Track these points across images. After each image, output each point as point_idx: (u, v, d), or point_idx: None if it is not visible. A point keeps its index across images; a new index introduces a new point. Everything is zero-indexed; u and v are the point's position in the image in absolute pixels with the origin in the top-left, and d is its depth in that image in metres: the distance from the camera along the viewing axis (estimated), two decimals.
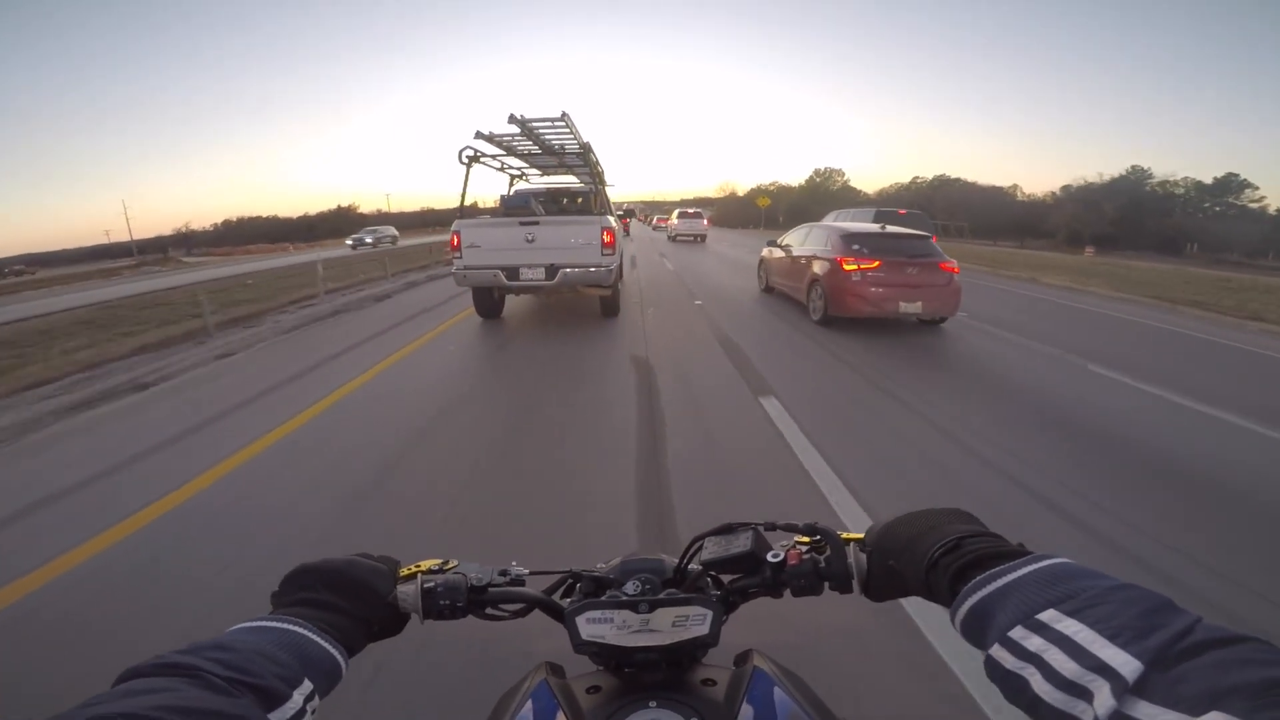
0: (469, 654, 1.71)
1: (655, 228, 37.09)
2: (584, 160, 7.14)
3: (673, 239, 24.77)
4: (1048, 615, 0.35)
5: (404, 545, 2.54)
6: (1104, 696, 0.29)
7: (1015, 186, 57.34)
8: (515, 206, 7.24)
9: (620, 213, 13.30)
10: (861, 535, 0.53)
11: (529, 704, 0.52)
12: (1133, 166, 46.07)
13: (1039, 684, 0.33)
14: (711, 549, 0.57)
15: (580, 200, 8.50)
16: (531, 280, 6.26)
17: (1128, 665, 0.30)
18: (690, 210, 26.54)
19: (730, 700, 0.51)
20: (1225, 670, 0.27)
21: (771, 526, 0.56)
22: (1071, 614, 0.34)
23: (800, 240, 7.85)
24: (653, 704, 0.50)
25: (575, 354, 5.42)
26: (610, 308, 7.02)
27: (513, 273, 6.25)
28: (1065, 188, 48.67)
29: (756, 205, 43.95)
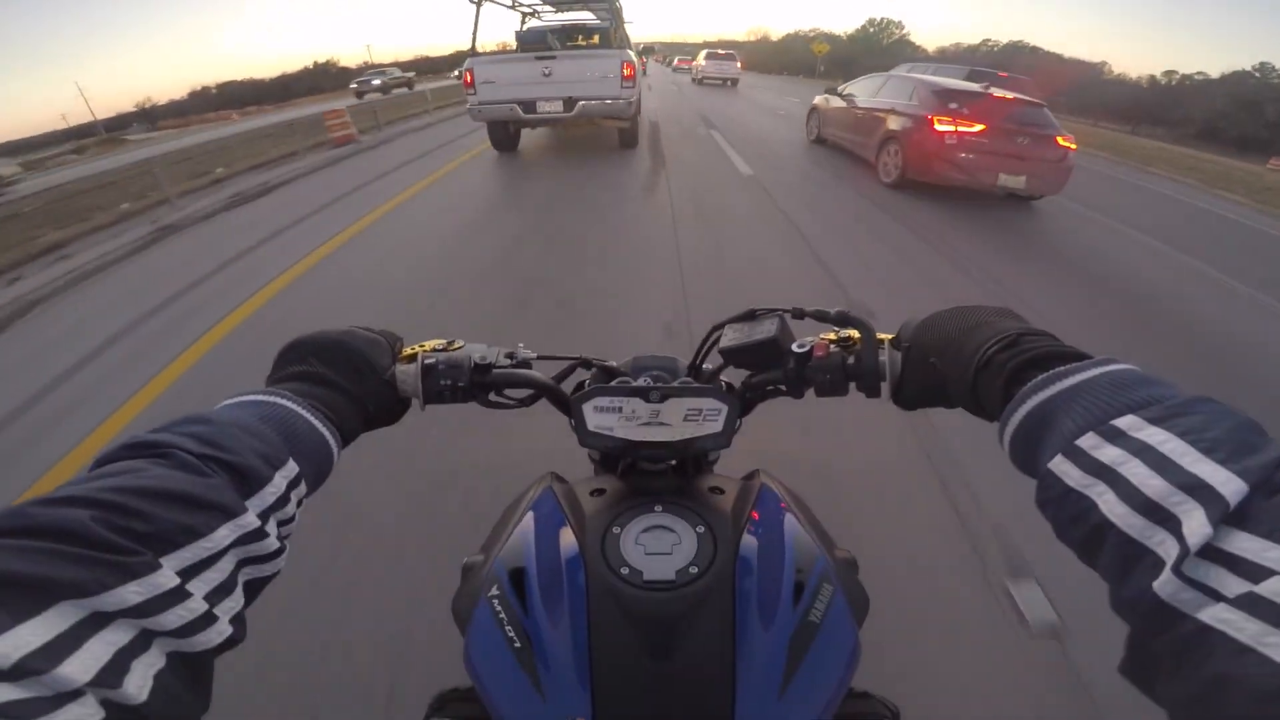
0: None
1: (676, 69, 36.22)
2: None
3: (698, 81, 23.80)
4: (1126, 421, 0.30)
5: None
6: (1195, 522, 0.24)
7: (1105, 64, 50.91)
8: (531, 42, 7.29)
9: (638, 50, 12.72)
10: (895, 333, 0.50)
11: (531, 514, 0.51)
12: (1261, 63, 39.94)
13: (1110, 504, 0.28)
14: (732, 336, 0.54)
15: (597, 37, 7.97)
16: (549, 113, 6.25)
17: (1229, 484, 0.25)
18: (721, 51, 24.73)
19: (738, 511, 0.49)
20: None
21: (800, 314, 0.52)
22: (1155, 421, 0.29)
23: (872, 90, 6.93)
24: (658, 508, 0.48)
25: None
26: (629, 139, 7.14)
27: (529, 106, 6.22)
28: (1171, 73, 42.39)
29: (811, 52, 39.17)
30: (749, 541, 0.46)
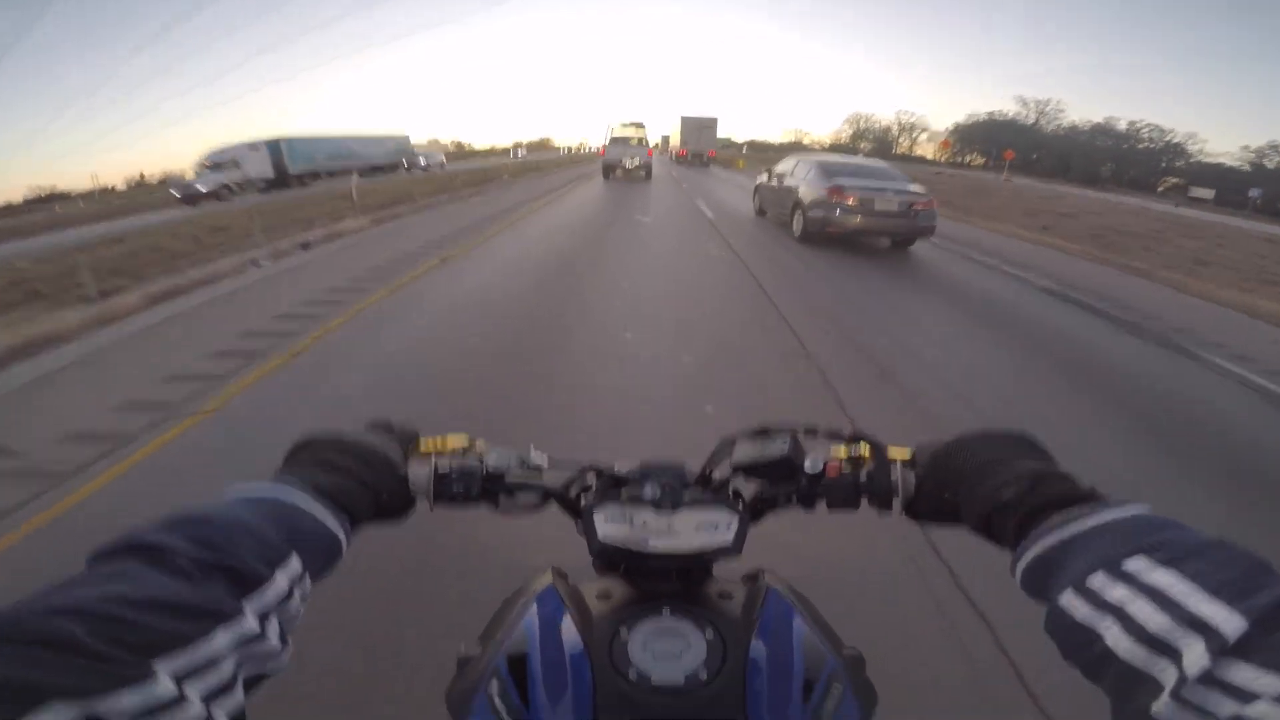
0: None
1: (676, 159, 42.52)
2: (640, 129, 20.80)
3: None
4: (1135, 564, 0.31)
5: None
6: (1196, 654, 0.26)
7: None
8: (617, 140, 19.68)
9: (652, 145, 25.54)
10: (909, 452, 0.51)
11: (534, 607, 0.49)
12: None
13: (1115, 637, 0.30)
14: (744, 451, 0.53)
15: (637, 140, 19.85)
16: (626, 164, 18.80)
17: (1230, 621, 0.26)
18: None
19: (746, 615, 0.48)
20: None
21: (812, 431, 0.54)
22: (1164, 564, 0.30)
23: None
24: (666, 611, 0.47)
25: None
26: (649, 175, 18.97)
27: (619, 163, 19.00)
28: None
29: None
30: (758, 645, 0.45)
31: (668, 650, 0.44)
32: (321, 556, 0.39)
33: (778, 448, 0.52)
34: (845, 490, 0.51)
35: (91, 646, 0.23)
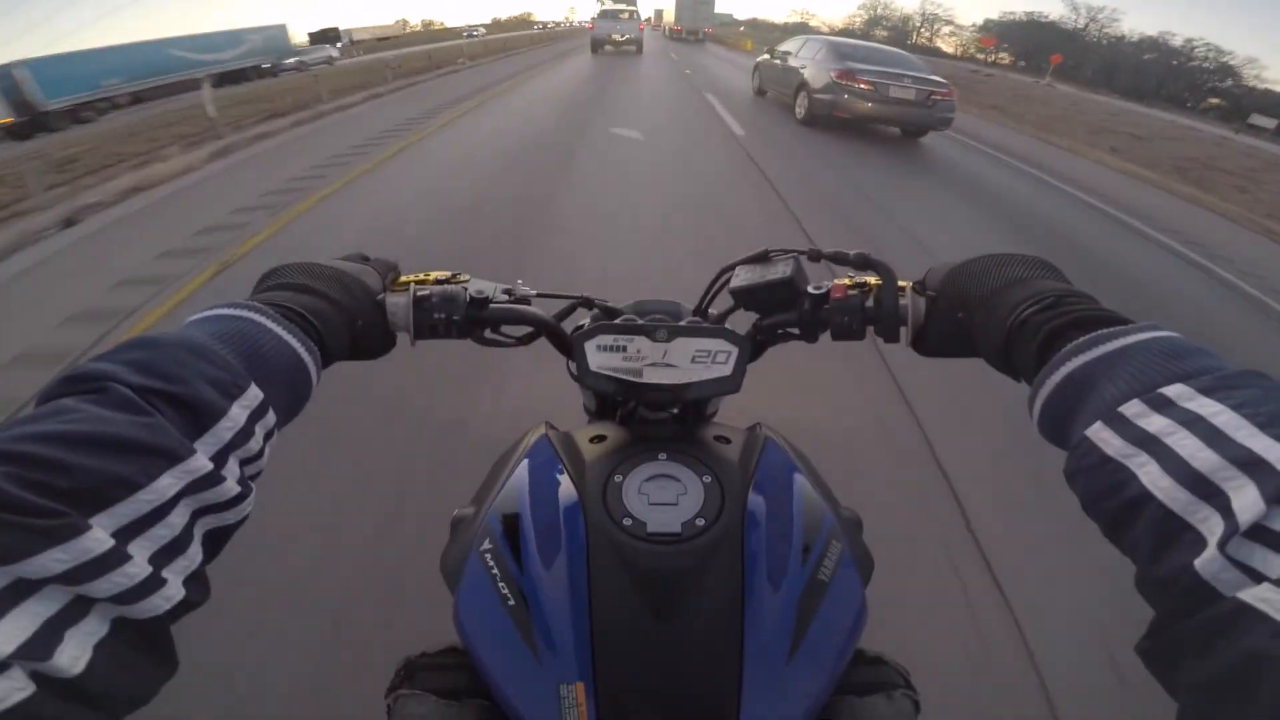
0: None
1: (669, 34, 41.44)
2: (631, 3, 22.31)
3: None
4: (1175, 390, 0.28)
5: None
6: (1248, 498, 0.23)
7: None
8: (607, 13, 19.24)
9: (644, 19, 25.34)
10: (920, 279, 0.49)
11: (526, 461, 0.48)
12: None
13: (1153, 476, 0.26)
14: (743, 276, 0.52)
15: (628, 13, 19.45)
16: (616, 39, 18.43)
17: None
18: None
19: (744, 463, 0.46)
20: None
21: (816, 255, 0.52)
22: (1206, 392, 0.27)
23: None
24: (663, 455, 0.45)
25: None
26: (640, 50, 18.60)
27: (608, 37, 18.45)
28: None
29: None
30: (756, 495, 0.43)
31: (664, 496, 0.43)
32: (287, 389, 0.35)
33: (780, 270, 0.50)
34: (850, 316, 0.48)
35: (15, 496, 0.21)
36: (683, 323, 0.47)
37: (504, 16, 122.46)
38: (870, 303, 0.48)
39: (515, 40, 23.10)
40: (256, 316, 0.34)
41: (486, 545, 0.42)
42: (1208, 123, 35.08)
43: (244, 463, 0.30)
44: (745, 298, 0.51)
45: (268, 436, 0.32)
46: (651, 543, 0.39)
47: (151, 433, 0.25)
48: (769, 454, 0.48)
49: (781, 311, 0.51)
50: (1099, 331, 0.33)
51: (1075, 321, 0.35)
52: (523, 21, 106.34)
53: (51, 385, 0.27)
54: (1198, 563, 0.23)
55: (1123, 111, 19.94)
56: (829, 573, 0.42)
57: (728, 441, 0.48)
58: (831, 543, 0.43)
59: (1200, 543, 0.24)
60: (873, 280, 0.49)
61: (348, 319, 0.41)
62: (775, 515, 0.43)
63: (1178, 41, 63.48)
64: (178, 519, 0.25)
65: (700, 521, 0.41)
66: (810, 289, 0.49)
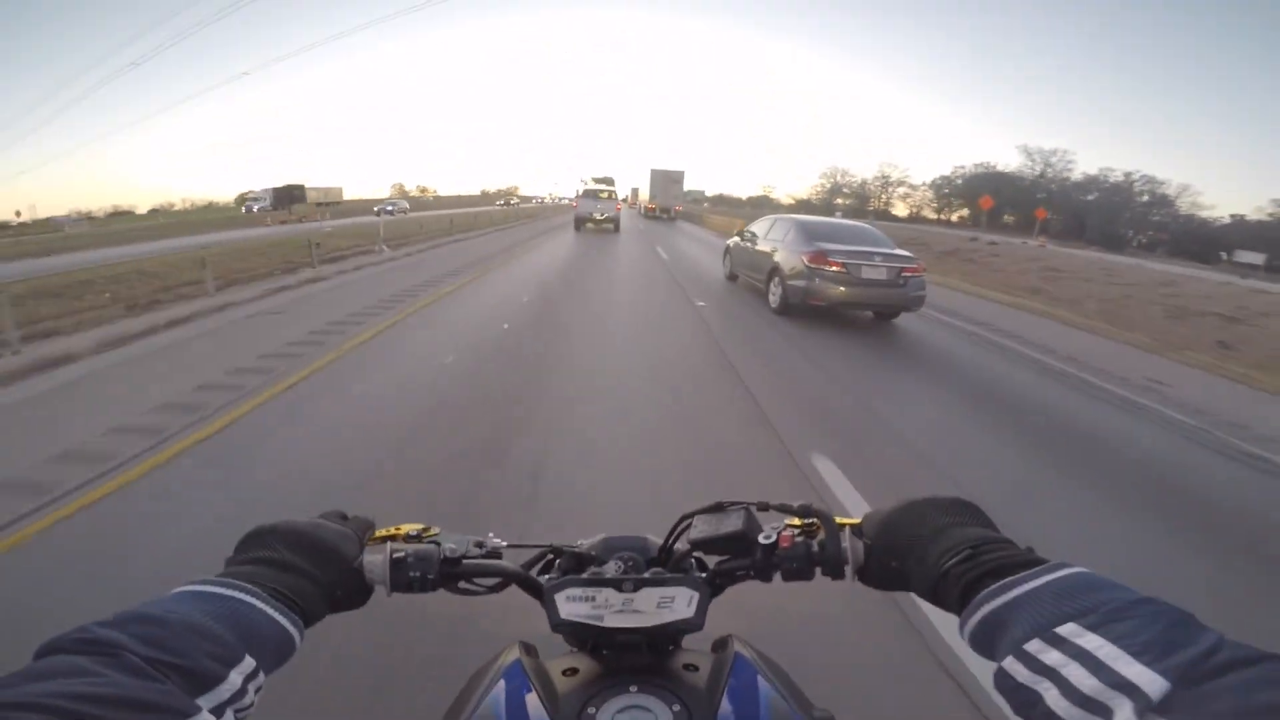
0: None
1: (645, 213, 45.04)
2: (610, 185, 25.37)
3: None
4: (1067, 629, 0.34)
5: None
6: (1125, 714, 0.29)
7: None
8: (590, 194, 21.62)
9: (621, 199, 27.91)
10: (858, 520, 0.53)
11: (500, 684, 0.50)
12: None
13: (1054, 699, 0.32)
14: (700, 528, 0.55)
15: (608, 194, 21.60)
16: (596, 217, 20.28)
17: (1154, 684, 0.29)
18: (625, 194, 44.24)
19: (712, 687, 0.49)
20: (1252, 690, 0.27)
21: (764, 506, 0.56)
22: (1093, 628, 0.33)
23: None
24: (633, 688, 0.49)
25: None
26: (617, 228, 20.37)
27: (590, 216, 20.51)
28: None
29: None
30: (725, 716, 0.46)
31: None
32: (274, 654, 0.40)
33: (732, 523, 0.53)
34: (799, 560, 0.51)
35: None
36: (647, 574, 0.51)
37: (492, 188, 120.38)
38: (815, 547, 0.51)
39: (441, 223, 16.48)
40: (248, 598, 0.39)
41: None
42: (1196, 268, 31.08)
43: (237, 711, 0.34)
44: (703, 547, 0.54)
45: (258, 690, 0.37)
46: None
47: (164, 696, 0.29)
48: (737, 672, 0.50)
49: (736, 558, 0.54)
50: (1005, 580, 0.38)
51: (990, 570, 0.40)
52: (479, 197, 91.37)
53: (64, 640, 0.31)
54: None
55: (1165, 277, 16.74)
56: None
57: (695, 669, 0.52)
58: None
59: None
60: (815, 524, 0.53)
61: (326, 592, 0.46)
62: None
63: (1117, 177, 65.25)
64: None
65: None
66: (761, 538, 0.52)
